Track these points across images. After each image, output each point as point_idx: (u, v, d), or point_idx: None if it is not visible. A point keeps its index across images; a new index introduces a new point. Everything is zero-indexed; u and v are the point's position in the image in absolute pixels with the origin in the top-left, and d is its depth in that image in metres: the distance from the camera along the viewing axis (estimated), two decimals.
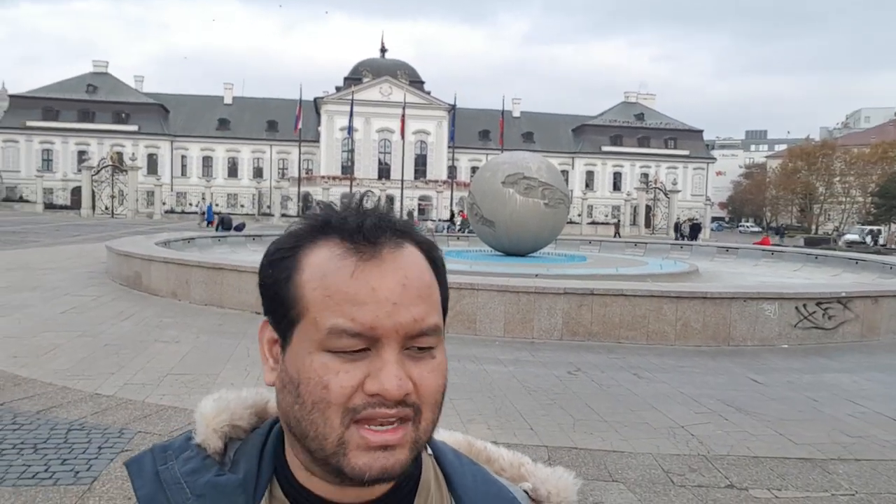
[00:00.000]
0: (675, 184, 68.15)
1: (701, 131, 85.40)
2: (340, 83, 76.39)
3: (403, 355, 0.67)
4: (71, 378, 6.31)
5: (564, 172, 72.32)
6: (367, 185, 63.19)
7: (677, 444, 5.03)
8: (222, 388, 0.83)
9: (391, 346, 0.66)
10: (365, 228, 0.68)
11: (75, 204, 58.05)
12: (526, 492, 0.82)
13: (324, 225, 0.71)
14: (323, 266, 0.68)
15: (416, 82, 75.85)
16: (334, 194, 58.54)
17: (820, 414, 5.97)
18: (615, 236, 44.93)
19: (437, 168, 73.05)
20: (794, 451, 4.95)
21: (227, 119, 75.47)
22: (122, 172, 53.78)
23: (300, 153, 65.89)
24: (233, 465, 0.74)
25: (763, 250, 23.01)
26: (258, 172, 73.93)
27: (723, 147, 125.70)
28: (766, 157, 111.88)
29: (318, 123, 72.90)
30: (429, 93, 75.03)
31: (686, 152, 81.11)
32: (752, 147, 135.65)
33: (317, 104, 72.77)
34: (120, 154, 60.62)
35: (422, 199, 67.70)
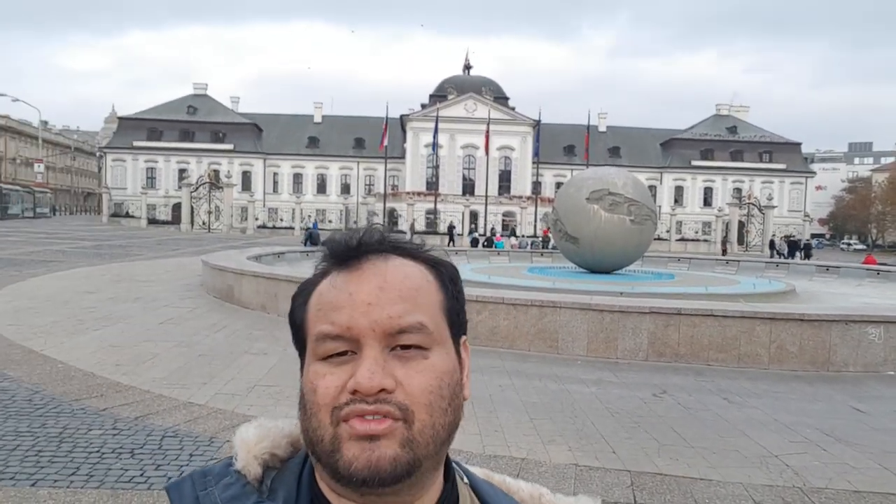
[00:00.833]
0: (770, 199, 65.16)
1: (799, 144, 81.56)
2: (426, 100, 77.45)
3: (390, 356, 0.70)
4: (167, 386, 6.62)
5: (652, 188, 70.70)
6: (452, 200, 63.61)
7: (770, 475, 4.78)
8: (261, 417, 0.85)
9: (370, 345, 0.69)
10: (350, 248, 0.75)
11: (175, 219, 61.14)
12: None
13: (331, 259, 0.77)
14: (321, 288, 0.75)
15: (500, 98, 76.02)
16: (419, 210, 59.26)
17: None
18: (723, 254, 43.32)
19: (522, 184, 72.77)
20: None
21: (316, 137, 77.83)
22: (219, 189, 56.28)
23: (386, 169, 67.13)
24: (270, 492, 0.74)
25: (868, 269, 21.72)
26: (346, 188, 75.77)
27: (823, 160, 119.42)
28: (872, 170, 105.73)
29: (404, 140, 74.11)
30: (513, 109, 75.03)
31: (783, 166, 77.61)
32: (856, 160, 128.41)
33: (402, 121, 74.05)
34: (217, 172, 63.55)
35: (506, 214, 67.54)
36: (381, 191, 67.47)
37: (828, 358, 8.40)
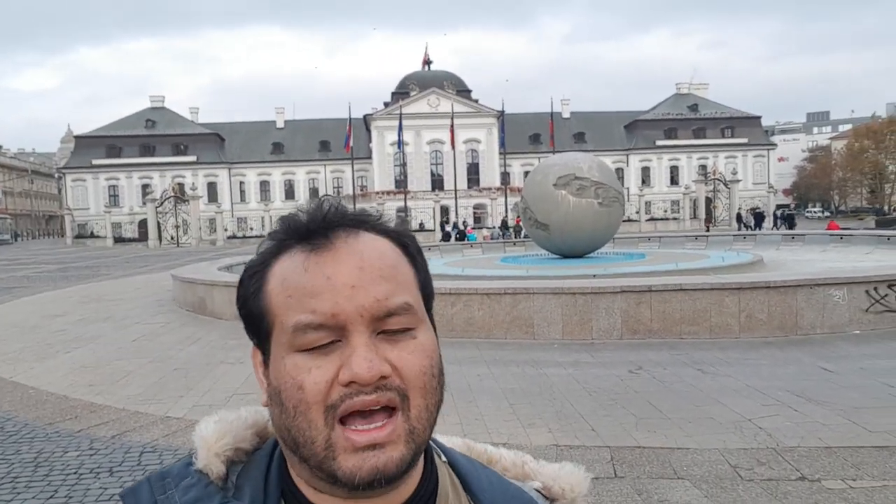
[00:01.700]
0: (734, 173, 66.15)
1: (759, 117, 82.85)
2: (388, 99, 77.26)
3: (378, 339, 0.65)
4: (143, 403, 6.55)
5: (619, 170, 71.29)
6: (422, 197, 63.62)
7: (744, 438, 4.89)
8: (221, 410, 0.79)
9: (359, 332, 0.64)
10: (315, 225, 0.68)
11: (142, 236, 60.20)
12: (538, 490, 0.80)
13: (284, 237, 0.70)
14: (283, 271, 0.68)
15: (462, 91, 76.10)
16: (389, 208, 59.17)
17: None
18: (707, 230, 43.78)
19: (490, 176, 72.97)
20: (869, 439, 4.75)
21: (280, 143, 77.22)
22: (184, 202, 55.59)
23: (353, 171, 66.83)
24: (236, 490, 0.70)
25: (832, 235, 22.18)
26: (314, 192, 75.19)
27: (784, 132, 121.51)
28: (831, 138, 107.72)
29: (370, 140, 73.88)
30: (476, 101, 75.15)
31: (744, 140, 78.80)
32: (815, 130, 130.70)
33: (366, 121, 73.78)
34: (181, 185, 62.78)
35: (476, 207, 67.65)
36: (350, 192, 67.18)
37: (796, 323, 8.59)
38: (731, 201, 57.66)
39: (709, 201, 59.33)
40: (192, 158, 73.43)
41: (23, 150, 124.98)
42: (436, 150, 72.93)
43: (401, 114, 61.74)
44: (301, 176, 76.20)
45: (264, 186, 75.86)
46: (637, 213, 60.45)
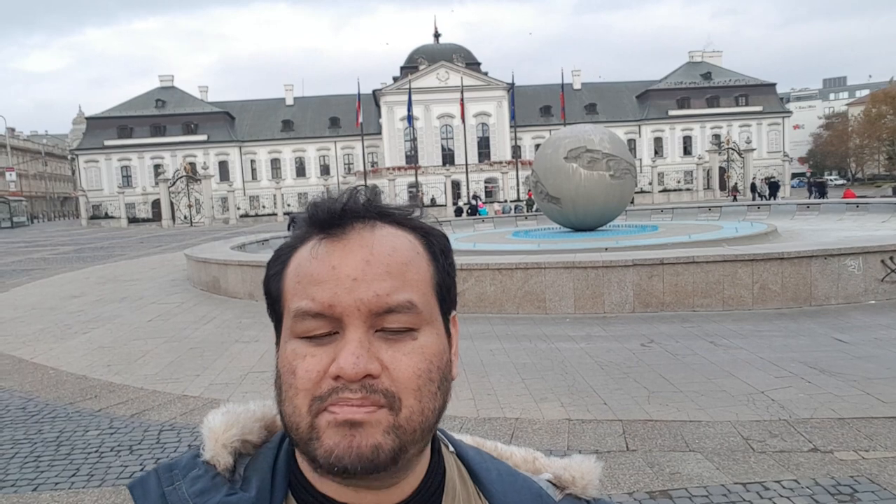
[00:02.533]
0: (748, 142, 65.29)
1: (773, 85, 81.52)
2: (397, 73, 76.65)
3: (375, 337, 0.64)
4: (160, 382, 6.65)
5: (632, 141, 70.73)
6: (433, 172, 63.40)
7: (757, 411, 4.90)
8: (230, 402, 0.79)
9: (354, 326, 0.63)
10: (333, 214, 0.67)
11: (156, 216, 60.65)
12: (549, 481, 0.79)
13: (308, 223, 0.70)
14: (300, 257, 0.68)
15: (472, 64, 75.35)
16: (400, 184, 59.08)
17: None
18: (734, 200, 43.50)
19: (501, 149, 72.51)
20: (883, 409, 4.75)
21: (290, 120, 77.00)
22: (196, 182, 55.81)
23: (363, 147, 66.67)
24: (244, 482, 0.69)
25: (847, 203, 21.95)
26: (325, 170, 75.21)
27: (799, 99, 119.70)
28: (847, 105, 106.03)
29: (379, 115, 73.52)
30: (486, 74, 74.44)
31: (759, 108, 77.64)
32: (832, 96, 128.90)
33: (376, 96, 73.35)
34: (193, 164, 62.88)
35: (488, 181, 67.41)
36: (361, 169, 67.08)
37: (810, 293, 8.54)
38: (745, 171, 57.10)
39: (722, 171, 58.79)
40: (203, 137, 73.44)
41: (35, 132, 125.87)
42: (446, 125, 72.48)
43: (410, 88, 61.34)
44: (312, 153, 76.04)
45: (275, 164, 75.83)
46: (650, 184, 60.03)
